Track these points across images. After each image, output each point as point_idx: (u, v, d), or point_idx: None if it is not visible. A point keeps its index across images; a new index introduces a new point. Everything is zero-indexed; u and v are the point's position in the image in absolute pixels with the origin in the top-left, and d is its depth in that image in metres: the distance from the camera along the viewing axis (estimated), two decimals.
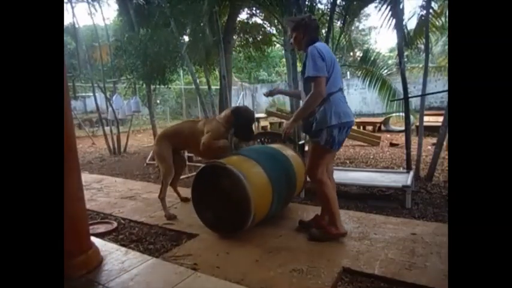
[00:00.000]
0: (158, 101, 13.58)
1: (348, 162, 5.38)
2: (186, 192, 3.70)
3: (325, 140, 2.32)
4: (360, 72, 5.97)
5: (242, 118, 2.90)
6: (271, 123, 8.91)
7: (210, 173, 2.58)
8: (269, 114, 9.61)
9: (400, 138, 7.25)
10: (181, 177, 3.62)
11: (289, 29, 2.50)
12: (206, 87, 5.76)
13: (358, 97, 14.29)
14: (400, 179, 3.54)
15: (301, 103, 2.44)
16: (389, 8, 4.24)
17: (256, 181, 2.49)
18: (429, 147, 5.97)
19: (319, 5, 5.64)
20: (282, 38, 5.43)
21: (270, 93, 2.90)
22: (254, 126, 7.49)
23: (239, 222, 2.45)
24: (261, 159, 2.69)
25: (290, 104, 4.67)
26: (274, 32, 7.95)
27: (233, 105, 7.26)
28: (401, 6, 4.10)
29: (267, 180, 2.56)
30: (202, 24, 4.95)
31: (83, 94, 13.99)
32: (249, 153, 2.78)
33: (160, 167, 3.17)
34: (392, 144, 6.91)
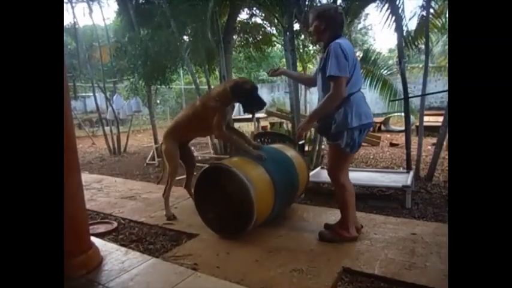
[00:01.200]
0: (158, 101, 13.58)
1: None
2: (185, 192, 3.71)
3: (345, 142, 2.23)
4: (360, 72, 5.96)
5: (245, 91, 2.68)
6: (271, 123, 8.90)
7: (214, 174, 2.57)
8: (269, 114, 9.59)
9: (400, 138, 7.26)
10: (181, 177, 3.59)
11: (311, 17, 2.35)
12: (206, 87, 5.76)
13: None
14: (400, 179, 3.54)
15: (317, 101, 2.30)
16: (388, 8, 4.24)
17: (259, 183, 2.46)
18: (429, 147, 5.97)
19: (319, 5, 5.63)
20: (282, 38, 5.42)
21: (273, 72, 2.73)
22: (254, 127, 7.51)
23: (241, 224, 2.45)
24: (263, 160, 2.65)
25: (290, 104, 4.66)
26: (274, 32, 7.93)
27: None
28: (401, 7, 4.10)
29: (270, 182, 2.53)
30: (203, 25, 4.94)
31: (83, 94, 14.01)
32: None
33: (167, 165, 3.09)
34: (392, 144, 6.91)
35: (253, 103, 2.75)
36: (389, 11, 4.21)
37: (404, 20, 4.20)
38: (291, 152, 3.07)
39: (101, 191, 4.21)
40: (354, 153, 2.42)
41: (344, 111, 2.19)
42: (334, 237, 2.40)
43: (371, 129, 2.31)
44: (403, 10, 4.15)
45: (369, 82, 5.78)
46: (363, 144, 7.09)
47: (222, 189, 2.53)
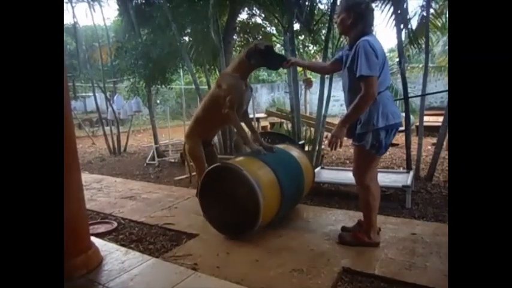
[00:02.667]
0: (158, 101, 13.59)
1: (348, 162, 5.37)
2: (187, 192, 3.71)
3: (370, 144, 2.11)
4: None
5: (262, 52, 2.58)
6: (271, 123, 8.89)
7: (222, 173, 2.53)
8: (269, 114, 9.58)
9: (400, 138, 7.23)
10: (183, 176, 3.59)
11: (339, 7, 2.23)
12: (206, 87, 5.75)
13: None
14: (400, 179, 3.53)
15: (346, 104, 2.16)
16: (390, 7, 4.24)
17: (268, 188, 2.42)
18: (429, 147, 5.97)
19: (319, 5, 5.63)
20: (282, 38, 5.42)
21: (286, 63, 2.59)
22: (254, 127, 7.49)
23: (244, 227, 2.44)
24: (273, 163, 2.60)
25: (290, 104, 4.66)
26: (274, 32, 7.93)
27: None
28: (404, 6, 4.09)
29: (278, 186, 2.49)
30: (204, 24, 4.94)
31: (83, 94, 13.99)
32: (263, 156, 2.65)
33: (194, 165, 3.01)
34: (392, 144, 6.90)
35: (272, 60, 2.65)
36: (392, 9, 4.21)
37: (409, 18, 4.18)
38: (295, 152, 3.05)
39: (101, 191, 4.21)
40: (381, 155, 2.28)
41: (369, 111, 2.07)
42: (353, 241, 2.32)
43: (399, 129, 2.22)
44: (406, 9, 4.15)
45: None
46: None
47: (229, 189, 2.49)
